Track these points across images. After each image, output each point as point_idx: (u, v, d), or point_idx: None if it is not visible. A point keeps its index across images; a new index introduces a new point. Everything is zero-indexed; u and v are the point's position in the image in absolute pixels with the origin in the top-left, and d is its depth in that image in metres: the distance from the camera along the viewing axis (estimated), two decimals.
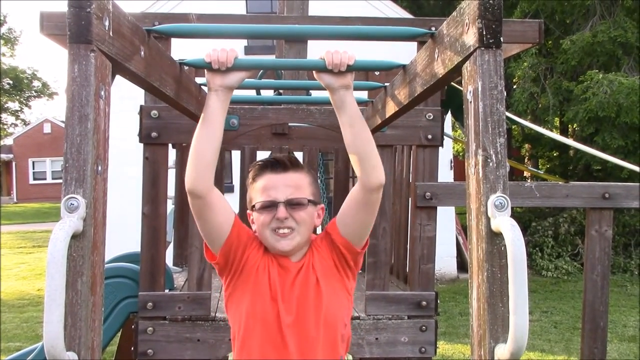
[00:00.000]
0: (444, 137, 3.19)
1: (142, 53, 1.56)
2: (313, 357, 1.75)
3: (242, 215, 2.84)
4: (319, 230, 2.12)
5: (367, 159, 1.68)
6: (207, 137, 1.66)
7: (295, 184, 1.80)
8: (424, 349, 3.07)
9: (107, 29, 1.33)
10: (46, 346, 1.16)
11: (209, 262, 1.87)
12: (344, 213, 1.81)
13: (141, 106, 2.97)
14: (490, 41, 1.30)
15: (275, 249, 1.80)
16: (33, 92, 40.85)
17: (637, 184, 3.30)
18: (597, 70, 11.27)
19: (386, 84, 2.32)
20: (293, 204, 1.78)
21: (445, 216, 9.30)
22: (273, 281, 1.78)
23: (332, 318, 1.79)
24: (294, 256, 1.83)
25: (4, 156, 33.81)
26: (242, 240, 1.79)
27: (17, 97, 39.24)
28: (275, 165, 1.83)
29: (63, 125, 1.31)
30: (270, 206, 1.78)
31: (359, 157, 1.69)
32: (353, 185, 2.12)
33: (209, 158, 1.66)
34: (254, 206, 1.82)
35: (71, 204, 1.23)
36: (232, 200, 2.26)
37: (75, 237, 1.23)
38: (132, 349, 3.02)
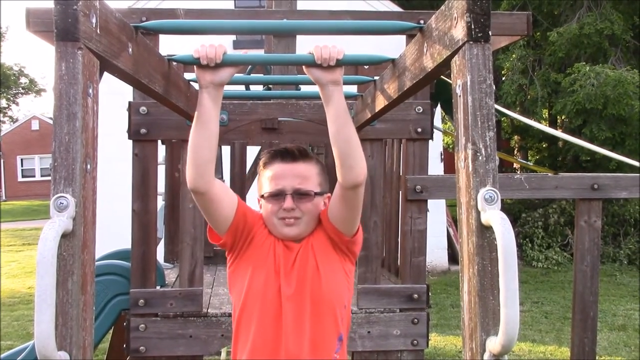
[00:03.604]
0: (434, 129, 3.20)
1: (130, 50, 1.54)
2: (310, 331, 1.79)
3: None
4: None
5: (346, 157, 1.69)
6: (203, 135, 1.68)
7: (303, 175, 1.85)
8: (416, 341, 3.09)
9: (94, 26, 1.31)
10: (37, 346, 1.16)
11: (213, 244, 1.91)
12: (332, 203, 1.84)
13: (130, 102, 2.95)
14: (479, 35, 1.30)
15: (281, 234, 1.86)
16: (20, 89, 40.50)
17: (625, 174, 3.32)
18: (584, 63, 11.32)
19: (375, 77, 2.31)
20: (300, 195, 1.83)
21: (436, 208, 9.33)
22: (278, 257, 1.84)
23: (329, 295, 1.83)
24: (298, 240, 1.88)
25: None
26: (249, 219, 1.85)
27: (4, 94, 38.87)
28: (285, 154, 1.87)
29: (51, 122, 1.30)
30: (278, 195, 1.83)
31: (339, 154, 1.70)
32: None
33: (207, 156, 1.69)
34: (262, 195, 1.87)
35: (60, 203, 1.23)
36: None
37: (65, 236, 1.22)
38: (125, 346, 3.01)
